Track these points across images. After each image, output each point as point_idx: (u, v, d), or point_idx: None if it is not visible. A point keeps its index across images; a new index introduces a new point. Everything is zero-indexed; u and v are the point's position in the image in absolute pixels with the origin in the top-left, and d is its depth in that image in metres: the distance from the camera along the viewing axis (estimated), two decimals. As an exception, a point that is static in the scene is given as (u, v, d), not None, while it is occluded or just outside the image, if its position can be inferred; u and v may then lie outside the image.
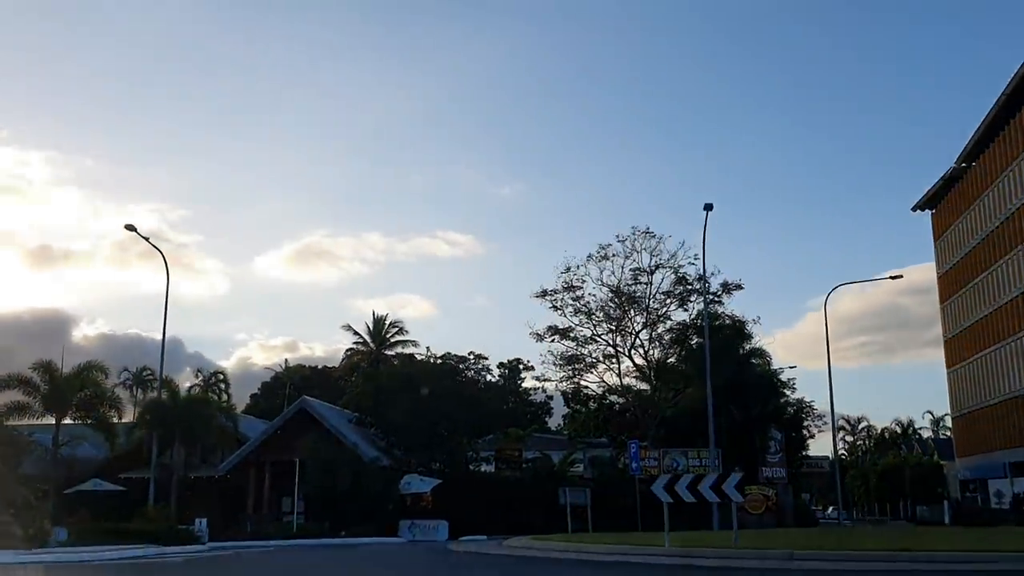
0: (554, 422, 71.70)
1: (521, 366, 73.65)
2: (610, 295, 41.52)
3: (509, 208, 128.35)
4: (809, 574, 12.85)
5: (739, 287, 41.23)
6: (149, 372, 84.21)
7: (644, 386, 42.55)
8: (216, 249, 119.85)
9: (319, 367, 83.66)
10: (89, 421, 40.00)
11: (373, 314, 74.85)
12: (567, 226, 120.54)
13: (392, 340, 69.26)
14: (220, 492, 40.67)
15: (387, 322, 71.65)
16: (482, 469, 41.12)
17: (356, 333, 72.03)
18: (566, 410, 57.84)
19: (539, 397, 67.63)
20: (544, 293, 42.00)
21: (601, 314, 41.70)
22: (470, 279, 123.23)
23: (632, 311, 41.91)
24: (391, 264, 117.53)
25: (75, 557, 21.01)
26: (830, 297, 67.24)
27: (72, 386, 39.14)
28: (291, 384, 75.25)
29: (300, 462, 35.54)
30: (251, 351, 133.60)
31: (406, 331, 69.89)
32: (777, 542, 17.33)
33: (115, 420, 40.77)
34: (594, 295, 42.63)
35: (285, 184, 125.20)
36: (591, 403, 44.79)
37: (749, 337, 41.40)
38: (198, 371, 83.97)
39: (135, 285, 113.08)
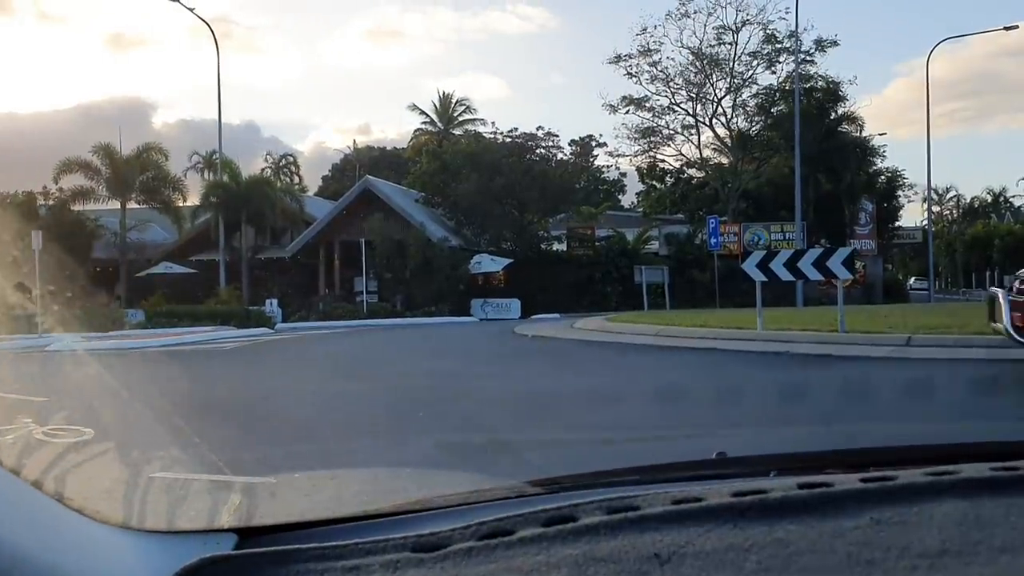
0: (627, 200, 69.75)
1: (593, 143, 71.05)
2: (690, 59, 38.16)
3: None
4: (939, 363, 11.11)
5: (834, 43, 37.38)
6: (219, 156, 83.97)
7: (725, 159, 39.92)
8: (287, 31, 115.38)
9: (388, 148, 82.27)
10: (155, 205, 39.61)
11: (439, 93, 71.73)
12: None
13: (460, 119, 67.04)
14: (291, 273, 40.40)
15: (454, 100, 69.04)
16: (554, 248, 39.82)
17: (423, 113, 69.81)
18: (640, 187, 55.76)
19: (612, 175, 65.60)
20: (618, 59, 38.82)
21: (680, 80, 38.54)
22: (543, 55, 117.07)
23: (714, 75, 38.61)
24: (462, 43, 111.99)
25: (151, 342, 20.39)
26: (925, 58, 61.53)
27: (133, 168, 38.35)
28: (360, 166, 74.19)
29: (368, 243, 34.60)
30: (325, 135, 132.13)
31: (474, 109, 67.41)
32: (884, 323, 15.47)
33: (180, 203, 40.31)
34: (672, 59, 39.32)
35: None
36: (667, 178, 42.43)
37: (843, 100, 37.94)
38: (268, 154, 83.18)
39: (213, 71, 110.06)
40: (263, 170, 70.06)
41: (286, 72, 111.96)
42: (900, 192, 41.51)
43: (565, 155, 64.89)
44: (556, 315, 33.76)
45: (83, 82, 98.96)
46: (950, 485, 0.89)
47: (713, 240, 34.05)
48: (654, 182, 43.24)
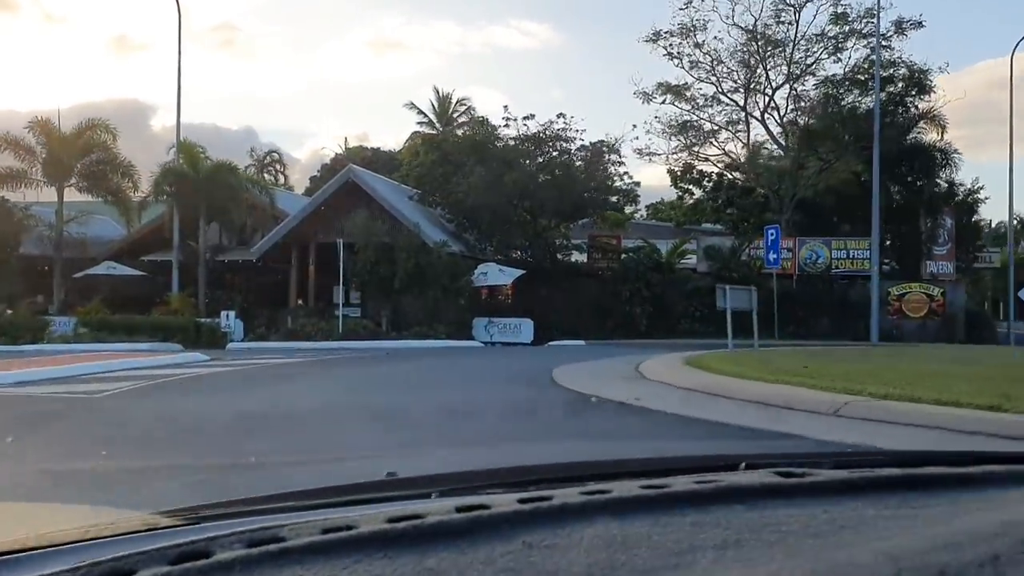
0: (639, 213, 63.67)
1: (604, 147, 64.90)
2: (744, 39, 31.95)
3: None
4: None
5: (920, 24, 31.22)
6: (201, 149, 78.21)
7: (776, 159, 33.73)
8: (288, 39, 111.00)
9: (380, 148, 76.41)
10: (100, 194, 33.24)
11: (437, 92, 65.59)
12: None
13: (459, 120, 61.05)
14: (258, 280, 34.07)
15: (454, 100, 63.26)
16: (572, 259, 33.55)
17: (420, 112, 63.89)
18: (656, 196, 49.55)
19: (624, 183, 59.41)
20: (656, 36, 32.59)
21: (733, 62, 32.33)
22: (545, 71, 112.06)
23: (770, 61, 32.43)
24: (465, 56, 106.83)
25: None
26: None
27: (72, 148, 32.02)
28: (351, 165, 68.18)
29: (349, 246, 28.32)
30: (323, 142, 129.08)
31: (474, 110, 61.39)
32: None
33: (131, 192, 33.86)
34: (720, 40, 33.24)
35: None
36: (705, 181, 36.20)
37: (931, 91, 31.74)
38: (252, 149, 77.09)
39: (212, 77, 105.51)
40: (247, 168, 64.09)
41: (286, 80, 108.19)
42: (978, 206, 35.27)
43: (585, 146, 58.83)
44: (579, 342, 27.51)
45: (82, 82, 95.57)
46: (602, 504, 0.90)
47: (772, 256, 27.83)
48: (690, 186, 36.98)
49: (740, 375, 10.81)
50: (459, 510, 0.87)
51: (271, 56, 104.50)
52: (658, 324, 30.97)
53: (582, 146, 32.82)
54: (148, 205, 33.24)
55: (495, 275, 29.24)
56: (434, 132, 61.10)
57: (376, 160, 71.80)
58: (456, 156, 32.26)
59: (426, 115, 64.16)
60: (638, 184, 55.28)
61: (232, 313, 27.91)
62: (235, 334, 27.93)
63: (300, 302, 32.24)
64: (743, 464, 1.21)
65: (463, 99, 64.44)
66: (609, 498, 0.92)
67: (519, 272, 29.30)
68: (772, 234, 30.21)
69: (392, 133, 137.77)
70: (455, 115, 62.72)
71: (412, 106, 65.19)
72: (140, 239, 35.37)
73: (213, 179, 31.61)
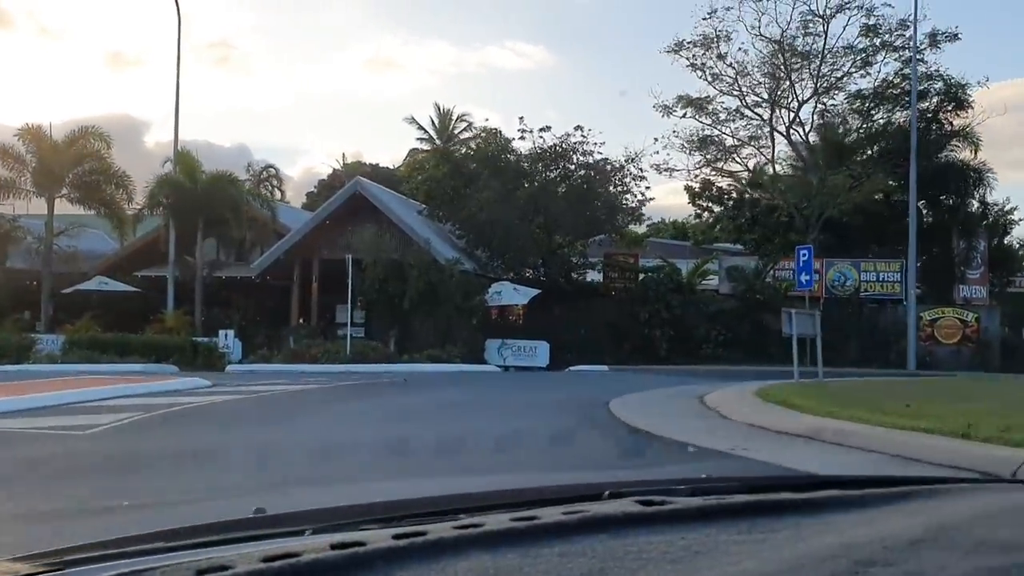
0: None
1: (608, 166, 63.58)
2: (772, 50, 30.51)
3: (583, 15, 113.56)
4: None
5: (955, 37, 29.85)
6: (199, 162, 77.15)
7: (801, 175, 32.28)
8: (284, 57, 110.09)
9: (379, 164, 75.03)
10: (92, 205, 31.59)
11: (438, 107, 64.17)
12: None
13: (461, 136, 59.69)
14: (257, 298, 32.43)
15: (454, 116, 61.94)
16: (587, 279, 31.98)
17: (420, 127, 62.55)
18: (663, 214, 48.02)
19: (630, 200, 57.96)
20: (679, 47, 31.15)
21: (759, 74, 30.90)
22: (540, 92, 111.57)
23: (796, 74, 31.01)
24: (461, 76, 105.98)
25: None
26: None
27: (64, 157, 30.42)
28: (349, 182, 66.72)
29: (357, 262, 26.73)
30: (316, 160, 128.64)
31: (475, 127, 60.16)
32: None
33: (125, 204, 32.18)
34: (745, 51, 31.84)
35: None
36: (726, 199, 34.72)
37: (968, 107, 30.28)
38: (248, 165, 75.64)
39: (207, 93, 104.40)
40: (245, 183, 62.63)
41: (280, 97, 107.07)
42: (1012, 227, 33.77)
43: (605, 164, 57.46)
44: (601, 367, 25.95)
45: (74, 97, 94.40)
46: (475, 538, 0.91)
47: (804, 277, 26.28)
48: (710, 203, 35.47)
49: (839, 415, 9.24)
50: (334, 547, 0.86)
51: (265, 73, 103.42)
52: (678, 348, 29.41)
53: (603, 159, 31.34)
54: (143, 218, 31.65)
55: (510, 294, 27.68)
56: (434, 148, 59.91)
57: (375, 176, 70.17)
58: (468, 169, 30.75)
59: (426, 131, 62.95)
60: (643, 203, 54.02)
61: (231, 332, 26.30)
62: (234, 355, 26.29)
63: (301, 321, 30.59)
64: (607, 492, 1.21)
65: (464, 115, 63.03)
66: (481, 531, 0.92)
67: (535, 292, 27.75)
68: (804, 255, 28.57)
69: (388, 151, 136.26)
70: (456, 131, 61.50)
71: (412, 121, 63.87)
72: (134, 253, 33.75)
73: (212, 191, 30.05)
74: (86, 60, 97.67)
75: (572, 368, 25.47)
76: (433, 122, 63.05)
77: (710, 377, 19.13)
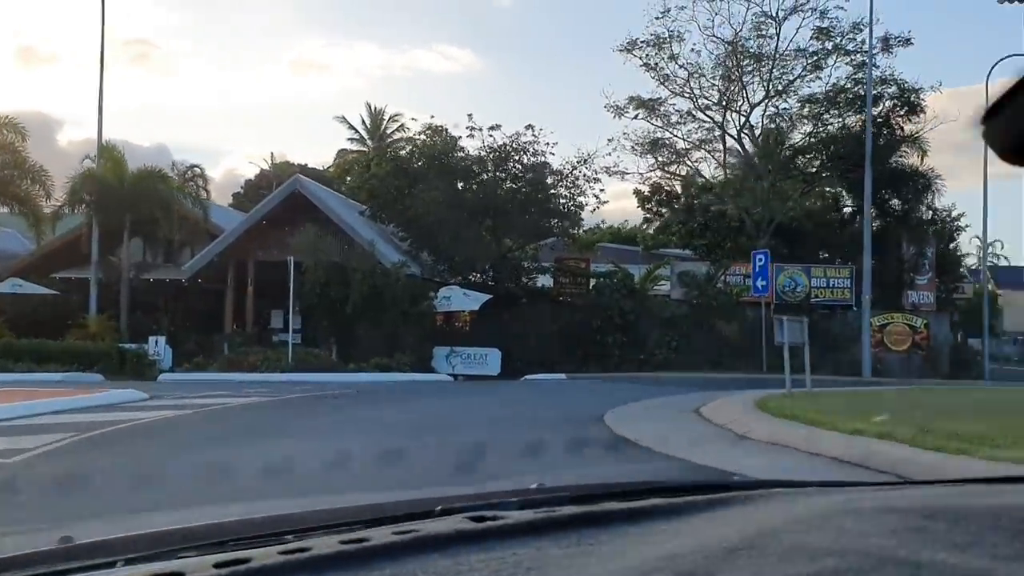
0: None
1: (547, 169, 62.75)
2: (724, 51, 29.98)
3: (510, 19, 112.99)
4: None
5: (908, 42, 29.72)
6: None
7: (752, 180, 31.81)
8: (206, 57, 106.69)
9: (307, 165, 72.94)
10: (5, 201, 29.38)
11: (369, 107, 62.49)
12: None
13: (394, 137, 58.15)
14: (188, 302, 30.60)
15: (386, 116, 60.53)
16: (538, 284, 30.95)
17: (351, 127, 60.93)
18: (602, 219, 47.30)
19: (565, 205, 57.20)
20: (631, 46, 30.38)
21: (711, 76, 30.33)
22: (468, 95, 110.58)
23: (748, 77, 30.54)
24: (388, 79, 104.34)
25: None
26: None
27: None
28: (277, 183, 64.53)
29: (296, 264, 25.20)
30: (238, 161, 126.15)
31: (408, 128, 58.77)
32: None
33: (43, 201, 29.97)
34: (698, 52, 31.31)
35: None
36: (675, 203, 34.10)
37: (921, 111, 30.15)
38: (172, 164, 72.65)
39: (124, 91, 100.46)
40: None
41: (203, 98, 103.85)
42: (958, 234, 33.89)
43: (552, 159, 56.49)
44: (559, 375, 24.94)
45: None
46: (301, 564, 0.88)
47: (760, 282, 25.83)
48: (661, 208, 34.79)
49: (869, 433, 8.35)
50: None
51: (185, 73, 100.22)
52: (630, 354, 28.58)
53: (545, 163, 30.32)
54: (62, 216, 29.51)
55: (459, 300, 26.49)
56: (373, 147, 58.28)
57: (304, 176, 68.38)
58: (412, 168, 29.44)
59: (357, 131, 61.36)
60: (580, 208, 53.38)
61: (162, 339, 24.52)
62: (165, 363, 24.51)
63: (236, 327, 28.88)
64: (438, 508, 1.20)
65: (396, 115, 61.47)
66: (308, 556, 0.90)
67: (486, 297, 26.59)
68: (760, 260, 28.33)
69: (313, 153, 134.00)
70: (388, 131, 60.01)
71: (343, 120, 62.14)
72: (52, 254, 31.48)
73: (139, 188, 28.17)
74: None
75: (528, 377, 24.39)
76: (364, 122, 61.42)
77: (685, 384, 18.27)
